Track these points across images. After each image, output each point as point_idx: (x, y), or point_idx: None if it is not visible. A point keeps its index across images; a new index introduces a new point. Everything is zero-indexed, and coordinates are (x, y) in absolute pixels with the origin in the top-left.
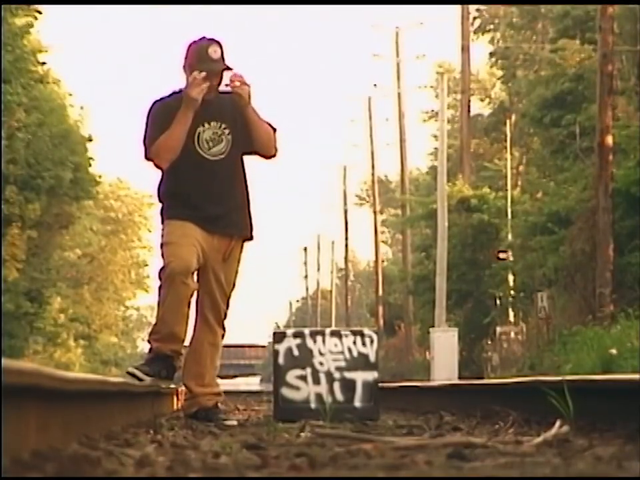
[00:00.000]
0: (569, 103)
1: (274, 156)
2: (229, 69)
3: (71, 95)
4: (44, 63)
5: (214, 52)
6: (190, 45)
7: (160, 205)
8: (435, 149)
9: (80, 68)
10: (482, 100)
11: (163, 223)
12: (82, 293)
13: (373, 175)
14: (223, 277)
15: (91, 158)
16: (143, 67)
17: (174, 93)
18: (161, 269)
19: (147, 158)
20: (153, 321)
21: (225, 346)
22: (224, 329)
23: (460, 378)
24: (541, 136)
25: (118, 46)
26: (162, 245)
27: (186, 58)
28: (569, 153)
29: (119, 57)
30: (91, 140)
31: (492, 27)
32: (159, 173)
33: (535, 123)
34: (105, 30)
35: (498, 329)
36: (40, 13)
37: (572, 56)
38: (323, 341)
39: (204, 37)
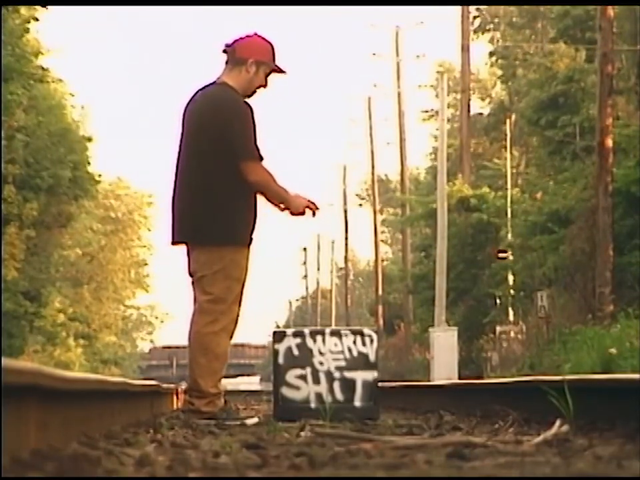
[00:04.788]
0: (562, 104)
1: None
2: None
3: (72, 94)
4: (46, 69)
5: (277, 57)
6: (257, 40)
7: (223, 222)
8: (435, 148)
9: (81, 67)
10: (482, 99)
11: (228, 244)
12: (82, 292)
13: (372, 174)
14: None
15: (88, 157)
16: (144, 66)
17: (214, 83)
18: (221, 300)
19: (258, 160)
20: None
21: None
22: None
23: (460, 377)
24: (539, 137)
25: (118, 45)
26: (234, 278)
27: (254, 51)
28: (566, 154)
29: (119, 56)
30: (90, 140)
31: (492, 26)
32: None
33: (531, 125)
34: (106, 29)
35: (498, 328)
36: (37, 19)
37: (561, 59)
38: (323, 341)
39: (259, 35)
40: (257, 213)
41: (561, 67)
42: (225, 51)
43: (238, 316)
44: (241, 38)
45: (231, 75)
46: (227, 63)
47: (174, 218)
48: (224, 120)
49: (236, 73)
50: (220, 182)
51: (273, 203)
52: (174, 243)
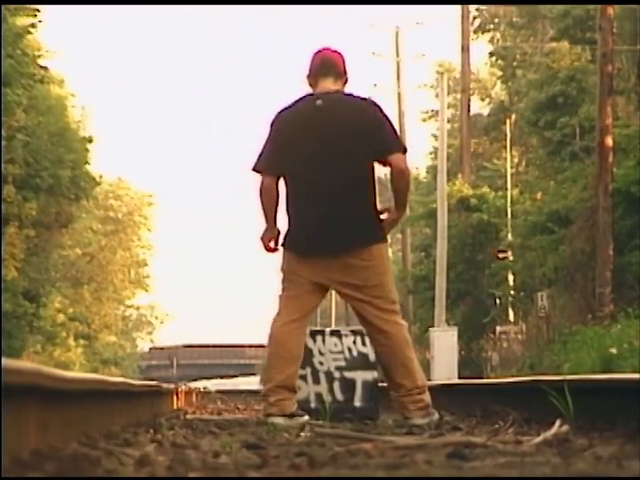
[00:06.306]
0: (561, 105)
1: None
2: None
3: (73, 95)
4: (45, 67)
5: None
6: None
7: (377, 221)
8: (435, 148)
9: (82, 67)
10: (482, 99)
11: (384, 242)
12: (81, 292)
13: None
14: None
15: (87, 157)
16: (144, 66)
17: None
18: (396, 301)
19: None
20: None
21: (225, 346)
22: None
23: (460, 377)
24: (538, 137)
25: (120, 46)
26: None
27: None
28: (565, 154)
29: (120, 57)
30: (91, 141)
31: (492, 26)
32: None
33: (530, 125)
34: (108, 30)
35: (498, 329)
36: (39, 11)
37: (563, 59)
38: (323, 341)
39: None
40: None
41: (562, 67)
42: (330, 64)
43: None
44: (328, 50)
45: (338, 84)
46: (321, 75)
47: (325, 227)
48: (374, 119)
49: (341, 82)
50: (368, 181)
51: (399, 201)
52: (330, 252)
